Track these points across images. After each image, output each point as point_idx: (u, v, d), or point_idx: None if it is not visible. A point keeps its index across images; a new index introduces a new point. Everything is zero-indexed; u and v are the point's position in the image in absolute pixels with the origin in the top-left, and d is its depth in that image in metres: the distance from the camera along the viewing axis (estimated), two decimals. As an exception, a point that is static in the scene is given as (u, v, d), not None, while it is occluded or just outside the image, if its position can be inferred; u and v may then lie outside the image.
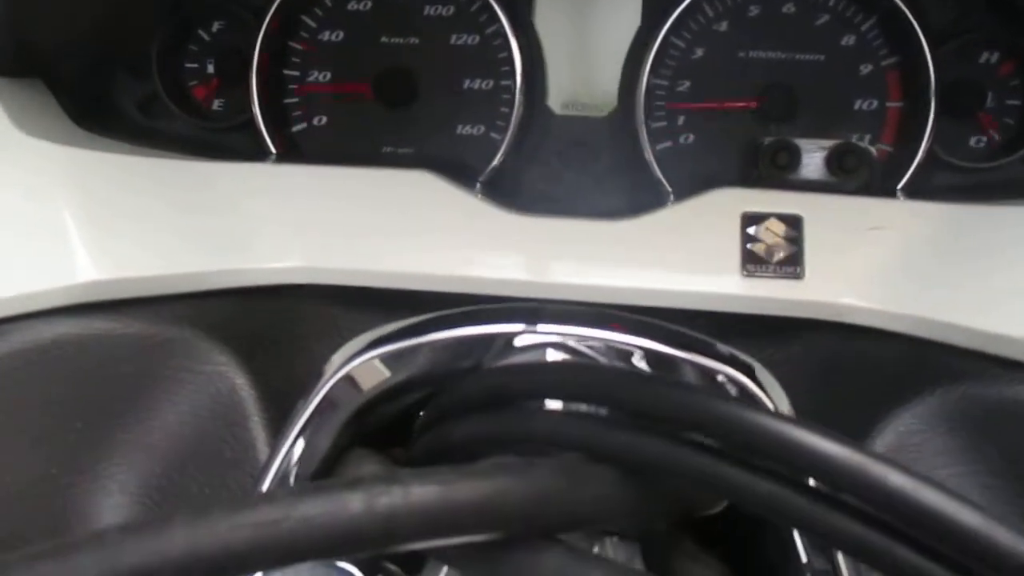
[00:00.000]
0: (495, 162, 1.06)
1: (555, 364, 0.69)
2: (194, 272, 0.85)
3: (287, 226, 0.87)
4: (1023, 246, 0.80)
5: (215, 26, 1.11)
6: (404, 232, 0.86)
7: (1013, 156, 0.99)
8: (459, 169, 1.05)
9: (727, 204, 0.86)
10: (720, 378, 0.66)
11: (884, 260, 0.83)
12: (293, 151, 1.11)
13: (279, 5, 1.06)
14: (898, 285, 0.81)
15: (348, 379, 0.68)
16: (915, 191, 1.00)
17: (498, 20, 1.05)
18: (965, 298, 0.80)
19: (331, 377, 0.68)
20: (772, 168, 0.92)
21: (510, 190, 1.07)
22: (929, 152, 1.00)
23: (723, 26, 1.06)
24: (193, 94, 1.12)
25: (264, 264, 0.87)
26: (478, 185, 1.04)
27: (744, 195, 0.86)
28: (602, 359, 0.67)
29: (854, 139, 1.02)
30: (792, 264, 0.84)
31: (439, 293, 0.86)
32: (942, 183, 1.03)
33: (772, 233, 0.85)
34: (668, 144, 1.08)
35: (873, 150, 0.92)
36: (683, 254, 0.85)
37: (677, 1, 1.03)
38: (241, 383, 0.83)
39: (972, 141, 1.04)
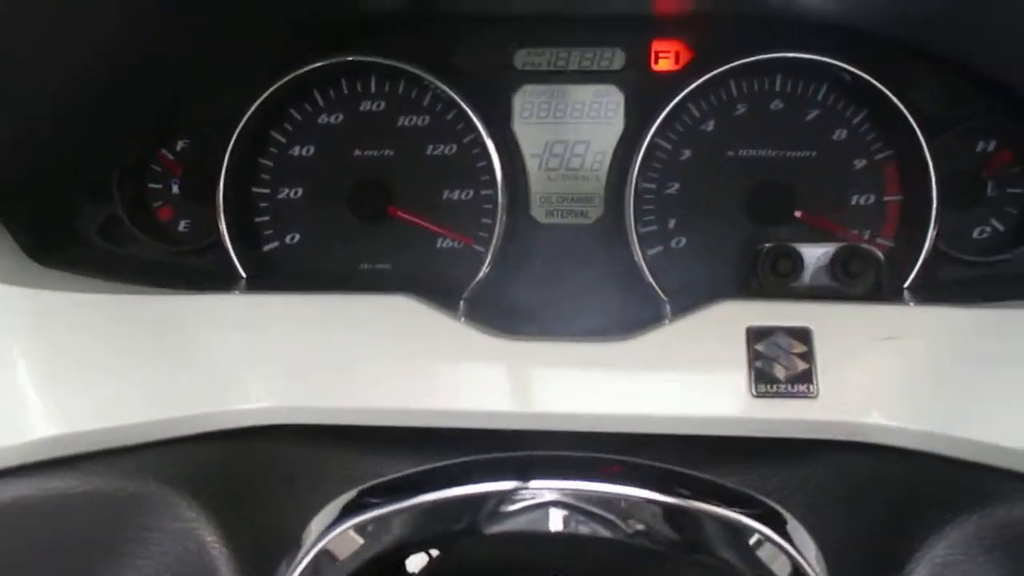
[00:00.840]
0: (480, 275, 1.01)
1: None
2: (157, 420, 0.78)
3: (258, 364, 0.80)
4: None
5: (180, 144, 1.07)
6: (385, 365, 0.80)
7: (1021, 247, 0.96)
8: (442, 285, 1.01)
9: (730, 318, 0.81)
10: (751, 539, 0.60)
11: (902, 372, 0.78)
12: (265, 271, 1.05)
13: (247, 121, 1.02)
14: (920, 399, 0.76)
15: (327, 553, 0.62)
16: (922, 288, 0.96)
17: (475, 129, 1.01)
18: (991, 412, 0.74)
19: (308, 552, 0.61)
20: (773, 276, 0.87)
21: (496, 306, 1.01)
22: (934, 247, 0.97)
23: (710, 126, 1.03)
24: (157, 215, 1.07)
25: (234, 407, 0.80)
26: (462, 304, 0.99)
27: (747, 308, 0.81)
28: (619, 521, 0.61)
29: (854, 234, 1.00)
30: (804, 381, 0.78)
31: (427, 428, 0.80)
32: (948, 277, 0.99)
33: (781, 349, 0.80)
34: (659, 249, 1.03)
35: (879, 253, 0.88)
36: (687, 375, 0.79)
37: (662, 103, 1.00)
38: (211, 540, 0.75)
39: (976, 232, 1.01)
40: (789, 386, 0.79)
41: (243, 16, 0.97)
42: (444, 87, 1.00)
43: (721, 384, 0.79)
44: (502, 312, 1.02)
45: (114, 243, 1.05)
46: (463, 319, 0.83)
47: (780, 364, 0.80)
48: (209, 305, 0.85)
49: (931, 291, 0.95)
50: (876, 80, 0.96)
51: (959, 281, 0.99)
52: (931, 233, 0.97)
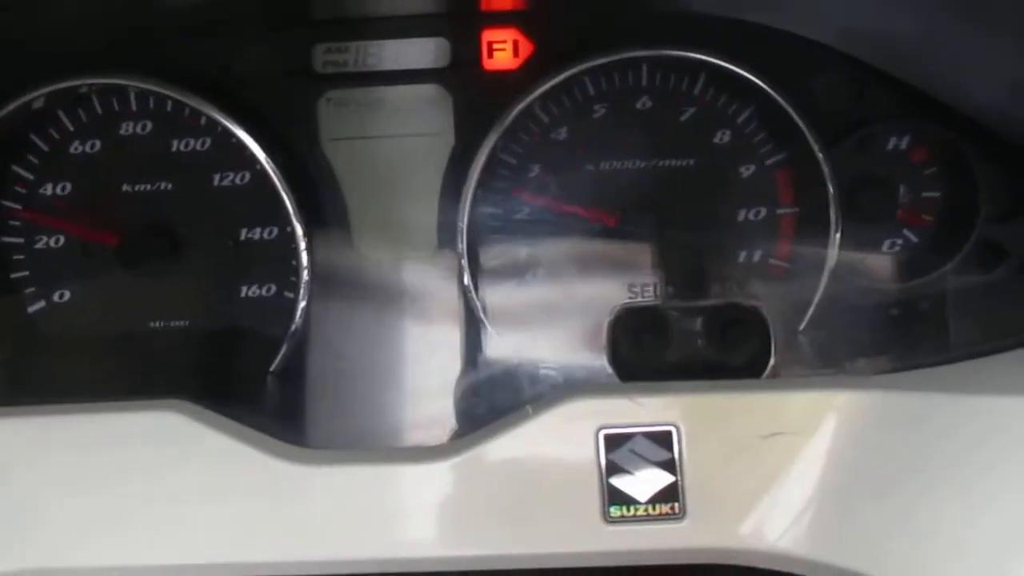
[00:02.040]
0: (291, 329, 0.84)
1: None
2: None
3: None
4: (960, 464, 0.62)
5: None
6: (150, 507, 0.65)
7: (936, 271, 0.82)
8: (250, 342, 0.85)
9: (581, 420, 0.66)
10: None
11: (787, 481, 0.65)
12: (31, 340, 0.87)
13: None
14: (807, 518, 0.63)
15: None
16: (823, 329, 0.82)
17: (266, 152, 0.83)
18: (887, 542, 0.62)
19: None
20: (636, 350, 0.73)
21: (310, 376, 0.85)
22: (835, 269, 0.82)
23: (562, 134, 0.86)
24: None
25: None
26: (270, 376, 0.83)
27: (600, 405, 0.66)
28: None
29: (742, 258, 0.84)
30: (668, 499, 0.64)
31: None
32: (856, 304, 0.85)
33: (640, 458, 0.66)
34: (511, 285, 0.87)
35: (764, 311, 0.72)
36: (528, 501, 0.65)
37: (499, 107, 0.82)
38: None
39: (886, 246, 0.86)
40: (650, 508, 0.66)
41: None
42: (210, 110, 0.81)
43: (568, 509, 0.65)
44: (319, 381, 0.86)
45: None
46: (248, 434, 0.67)
47: (639, 478, 0.66)
48: None
49: (834, 333, 0.81)
50: (761, 75, 0.80)
51: (864, 311, 0.86)
52: (832, 253, 0.82)
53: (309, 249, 0.85)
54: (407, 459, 0.67)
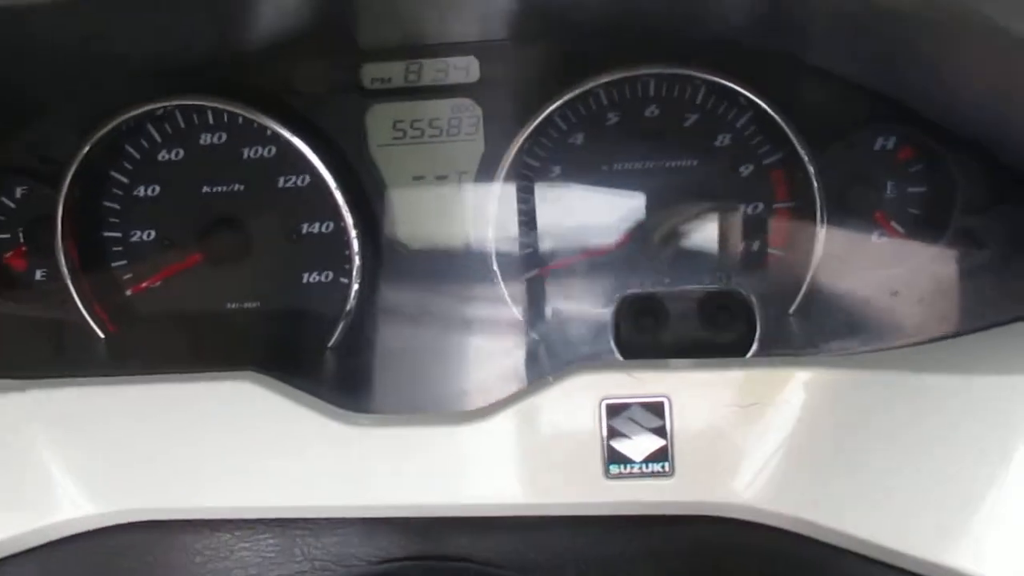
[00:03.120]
0: (346, 309, 0.96)
1: None
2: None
3: (93, 464, 0.78)
4: (915, 433, 0.70)
5: (18, 191, 0.99)
6: (228, 460, 0.76)
7: (918, 259, 0.89)
8: (311, 321, 0.97)
9: (586, 391, 0.76)
10: None
11: (761, 445, 0.73)
12: (130, 320, 1.00)
13: (82, 162, 0.94)
14: (778, 476, 0.71)
15: None
16: (811, 312, 0.90)
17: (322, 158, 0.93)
18: (848, 496, 0.70)
19: None
20: (635, 332, 0.82)
21: (363, 351, 0.97)
22: (823, 257, 0.90)
23: (579, 139, 0.94)
24: (10, 266, 1.00)
25: (65, 516, 0.78)
26: (328, 350, 0.95)
27: (603, 379, 0.76)
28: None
29: (740, 248, 0.93)
30: (660, 460, 0.74)
31: (271, 520, 0.78)
32: (842, 290, 0.93)
33: (636, 424, 0.76)
34: (533, 274, 0.97)
35: (752, 298, 0.80)
36: (538, 458, 0.75)
37: (524, 118, 0.91)
38: None
39: (874, 236, 0.93)
40: (644, 466, 0.76)
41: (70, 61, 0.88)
42: (273, 124, 0.92)
43: (574, 466, 0.75)
44: (370, 354, 0.98)
45: None
46: (308, 401, 0.79)
47: (635, 441, 0.77)
48: (30, 402, 0.81)
49: (820, 316, 0.90)
50: (753, 89, 0.88)
51: (849, 296, 0.93)
52: (819, 242, 0.90)
53: (360, 241, 0.95)
54: (439, 422, 0.79)
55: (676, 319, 0.82)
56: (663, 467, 0.73)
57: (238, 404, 0.78)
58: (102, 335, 0.97)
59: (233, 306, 1.00)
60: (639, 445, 0.74)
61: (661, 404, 0.74)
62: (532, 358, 0.95)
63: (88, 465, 0.77)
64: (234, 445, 0.76)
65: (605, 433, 0.75)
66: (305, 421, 0.78)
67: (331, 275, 0.99)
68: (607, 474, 0.74)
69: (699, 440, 0.73)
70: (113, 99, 0.95)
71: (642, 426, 0.75)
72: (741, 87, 0.88)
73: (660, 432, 0.75)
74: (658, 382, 0.75)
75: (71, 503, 0.76)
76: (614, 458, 0.74)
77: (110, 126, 0.93)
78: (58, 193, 0.94)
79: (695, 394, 0.74)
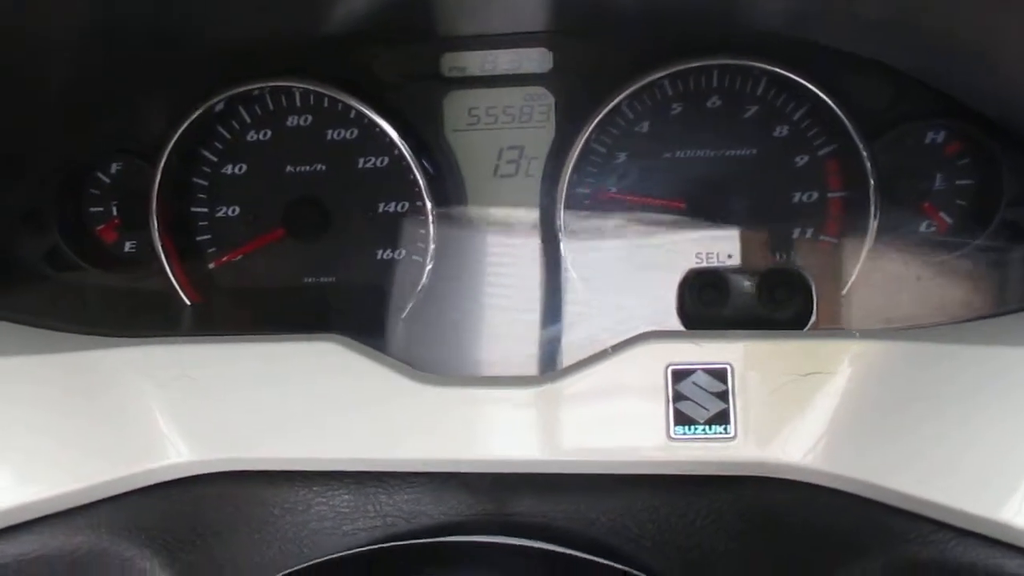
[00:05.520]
0: (419, 286, 1.00)
1: None
2: (101, 482, 0.81)
3: (191, 416, 0.81)
4: (964, 400, 0.74)
5: (113, 167, 1.04)
6: (313, 414, 0.80)
7: (964, 248, 0.93)
8: (385, 295, 1.01)
9: (652, 357, 0.79)
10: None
11: (820, 411, 0.77)
12: (212, 290, 1.05)
13: (177, 140, 0.99)
14: (835, 440, 0.75)
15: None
16: (862, 294, 0.94)
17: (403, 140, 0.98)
18: (902, 457, 0.74)
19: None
20: (699, 305, 0.86)
21: (435, 322, 1.01)
22: (875, 245, 0.93)
23: (645, 127, 0.98)
24: (101, 238, 1.06)
25: (171, 461, 0.82)
26: (400, 324, 0.99)
27: (669, 347, 0.80)
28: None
29: (795, 234, 0.97)
30: (722, 422, 0.78)
31: (346, 475, 0.82)
32: (893, 274, 0.96)
33: (700, 389, 0.80)
34: (592, 254, 1.01)
35: (809, 277, 0.85)
36: (608, 418, 0.79)
37: (594, 106, 0.96)
38: None
39: (923, 226, 0.96)
40: (707, 428, 0.79)
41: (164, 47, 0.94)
42: (360, 106, 0.97)
43: (641, 427, 0.79)
44: (441, 326, 1.02)
45: (60, 271, 1.05)
46: (389, 362, 0.83)
47: (699, 405, 0.80)
48: (137, 357, 0.86)
49: (871, 296, 0.93)
50: (813, 80, 0.91)
51: (903, 279, 0.97)
52: (871, 230, 0.93)
53: (434, 220, 1.00)
54: (511, 384, 0.82)
55: (736, 294, 0.86)
56: (725, 429, 0.77)
57: (323, 363, 0.82)
58: (188, 302, 1.03)
59: (310, 280, 1.05)
60: (702, 409, 0.79)
61: (724, 370, 0.78)
62: (593, 330, 0.99)
63: (183, 417, 0.82)
64: (319, 401, 0.80)
65: (671, 396, 0.80)
66: (385, 379, 0.82)
67: (404, 252, 1.03)
68: (671, 436, 0.78)
69: (760, 406, 0.77)
70: (206, 82, 1.00)
71: (706, 390, 0.79)
72: (801, 77, 0.91)
73: (723, 397, 0.79)
74: (721, 351, 0.79)
75: (169, 450, 0.80)
76: (679, 420, 0.78)
77: (204, 106, 0.98)
78: (155, 169, 1.00)
79: (757, 363, 0.78)
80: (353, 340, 0.83)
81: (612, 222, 1.00)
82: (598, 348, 0.82)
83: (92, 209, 1.06)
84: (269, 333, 0.83)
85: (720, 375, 0.78)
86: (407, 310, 1.02)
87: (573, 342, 0.98)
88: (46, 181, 1.02)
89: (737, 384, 0.78)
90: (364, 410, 0.81)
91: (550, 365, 0.97)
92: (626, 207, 1.00)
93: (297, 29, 0.98)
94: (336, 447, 0.80)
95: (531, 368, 1.00)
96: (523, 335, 0.99)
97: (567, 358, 0.93)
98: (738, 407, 0.77)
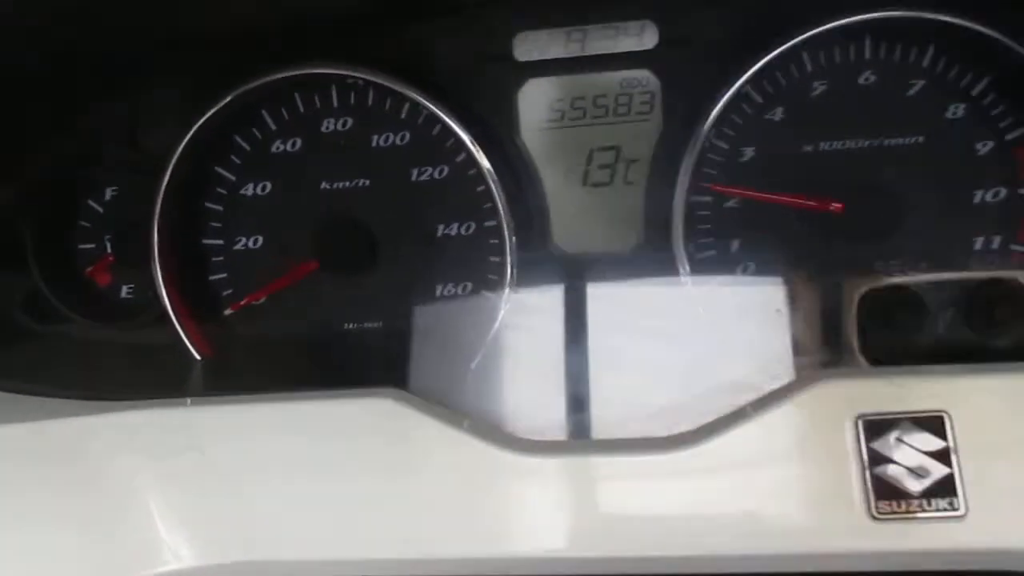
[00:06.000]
0: (493, 329, 0.81)
1: None
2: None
3: (198, 506, 0.63)
4: None
5: (108, 193, 0.88)
6: (369, 502, 0.63)
7: None
8: (448, 344, 0.82)
9: (834, 405, 0.60)
10: None
11: None
12: (228, 341, 0.87)
13: (182, 153, 0.82)
14: None
15: None
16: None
17: (466, 146, 0.80)
18: None
19: None
20: (886, 331, 0.65)
21: (514, 375, 0.80)
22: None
23: (778, 114, 0.80)
24: (93, 280, 0.89)
25: (166, 568, 0.63)
26: (469, 375, 0.79)
27: (855, 388, 0.60)
28: None
29: (978, 244, 0.76)
30: (946, 494, 0.57)
31: None
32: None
33: (909, 447, 0.59)
34: (720, 279, 0.81)
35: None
36: (777, 493, 0.59)
37: (713, 90, 0.77)
38: None
39: None
40: (924, 502, 0.58)
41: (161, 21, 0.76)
42: (419, 98, 0.79)
43: (826, 504, 0.59)
44: (520, 379, 0.80)
45: (41, 322, 0.87)
46: (466, 424, 0.63)
47: (910, 470, 0.59)
48: (130, 424, 0.67)
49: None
50: (1003, 34, 0.72)
51: None
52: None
53: (510, 245, 0.81)
54: (640, 449, 0.62)
55: (937, 316, 0.65)
56: (951, 503, 0.56)
57: (379, 426, 0.64)
58: (198, 357, 0.83)
59: (351, 326, 0.87)
60: (914, 475, 0.57)
61: (940, 419, 0.58)
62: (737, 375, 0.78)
63: (187, 505, 0.63)
64: (376, 481, 0.62)
65: (866, 458, 0.58)
66: (470, 448, 0.62)
67: (470, 286, 0.85)
68: (874, 513, 0.57)
69: (996, 467, 0.58)
70: (216, 76, 0.83)
71: (916, 448, 0.58)
72: (988, 31, 0.72)
73: (942, 457, 0.58)
74: (932, 393, 0.60)
75: (166, 555, 0.62)
76: (882, 492, 0.58)
77: (219, 105, 0.81)
78: (155, 192, 0.83)
79: (984, 407, 0.59)
80: (414, 396, 0.64)
81: (738, 240, 0.81)
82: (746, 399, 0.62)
83: (82, 246, 0.89)
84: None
85: (934, 426, 0.58)
86: (477, 360, 0.82)
87: (707, 395, 0.76)
88: (22, 209, 0.84)
89: (959, 438, 0.57)
90: (444, 491, 0.62)
91: (678, 425, 0.76)
92: (757, 221, 0.80)
93: (327, 2, 0.80)
94: (403, 545, 0.60)
95: (654, 430, 0.78)
96: (632, 388, 0.78)
97: (704, 417, 0.71)
98: (964, 471, 0.56)
